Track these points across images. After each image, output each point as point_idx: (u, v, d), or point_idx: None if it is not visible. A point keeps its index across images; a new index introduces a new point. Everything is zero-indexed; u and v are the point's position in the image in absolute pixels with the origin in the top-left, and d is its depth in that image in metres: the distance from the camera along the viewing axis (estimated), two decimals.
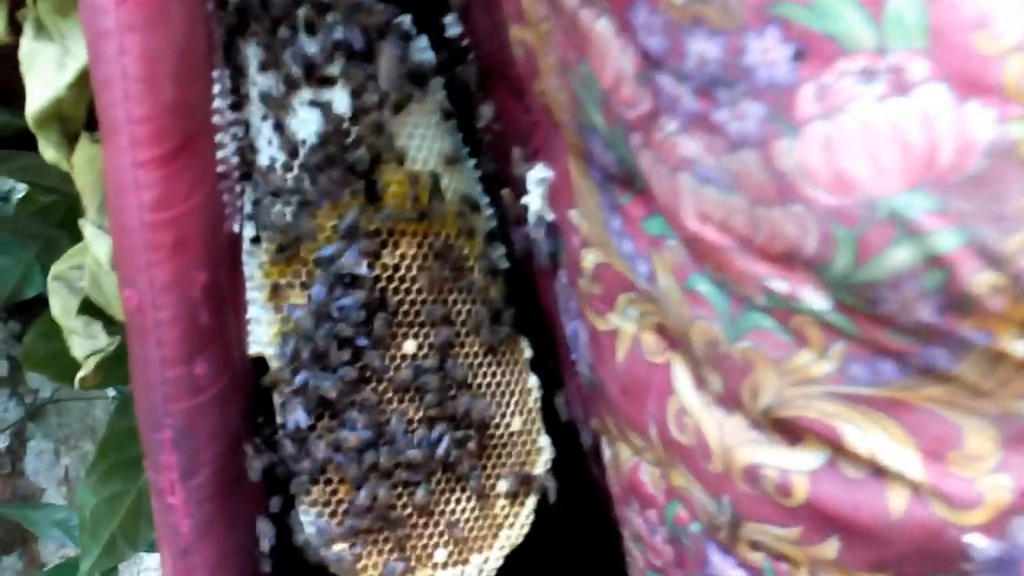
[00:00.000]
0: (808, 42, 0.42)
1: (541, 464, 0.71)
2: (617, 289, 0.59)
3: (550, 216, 0.64)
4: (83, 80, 0.61)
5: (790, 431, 0.52)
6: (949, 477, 0.48)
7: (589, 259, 0.60)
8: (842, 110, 0.42)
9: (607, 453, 0.66)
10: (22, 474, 1.36)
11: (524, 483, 0.70)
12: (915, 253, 0.42)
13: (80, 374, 0.82)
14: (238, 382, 0.62)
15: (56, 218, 1.11)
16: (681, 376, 0.57)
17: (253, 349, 0.64)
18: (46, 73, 0.62)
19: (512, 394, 0.70)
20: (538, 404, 0.71)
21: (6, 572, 1.35)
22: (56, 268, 0.81)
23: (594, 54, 0.51)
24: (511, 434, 0.70)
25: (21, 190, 1.17)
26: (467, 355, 0.68)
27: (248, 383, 0.64)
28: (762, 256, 0.48)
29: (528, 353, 0.71)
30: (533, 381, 0.71)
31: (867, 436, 0.49)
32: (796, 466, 0.52)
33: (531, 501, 0.71)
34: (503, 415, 0.70)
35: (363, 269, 0.64)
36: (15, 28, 0.66)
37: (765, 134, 0.44)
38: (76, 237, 0.72)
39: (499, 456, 0.69)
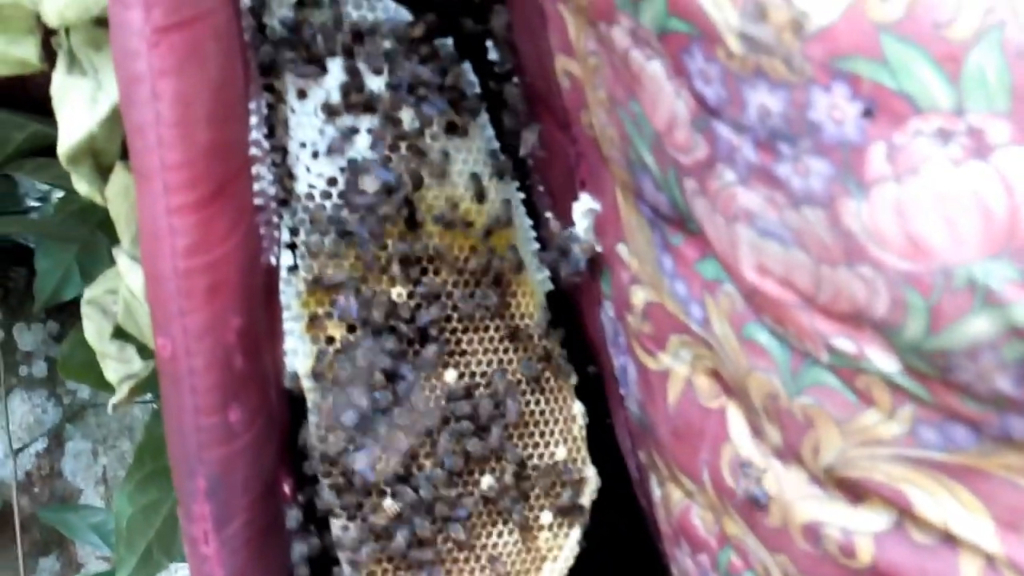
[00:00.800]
0: (879, 99, 0.39)
1: (587, 494, 0.68)
2: (669, 330, 0.57)
3: (597, 247, 0.61)
4: (116, 115, 0.59)
5: (854, 490, 0.49)
6: None
7: (639, 296, 0.58)
8: (915, 172, 0.39)
9: (656, 492, 0.64)
10: (60, 475, 1.36)
11: (568, 514, 0.68)
12: (995, 324, 0.40)
13: (114, 400, 0.81)
14: (273, 422, 0.61)
15: (95, 220, 1.10)
16: (737, 424, 0.55)
17: (290, 382, 0.62)
18: (78, 109, 0.61)
19: (556, 422, 0.67)
20: (583, 432, 0.68)
21: (44, 574, 1.35)
22: (90, 292, 0.79)
23: (645, 95, 0.49)
24: (555, 464, 0.67)
25: (60, 192, 1.16)
26: (509, 383, 0.66)
27: (284, 419, 0.62)
28: (826, 314, 0.45)
29: (573, 379, 0.68)
30: (578, 408, 0.68)
31: (938, 502, 0.46)
32: (860, 527, 0.49)
33: (576, 532, 0.68)
34: (546, 444, 0.67)
35: (402, 298, 0.62)
36: (49, 54, 0.64)
37: (831, 193, 0.42)
38: (114, 239, 0.70)
39: (543, 487, 0.66)
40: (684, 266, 0.53)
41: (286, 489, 0.62)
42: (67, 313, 1.31)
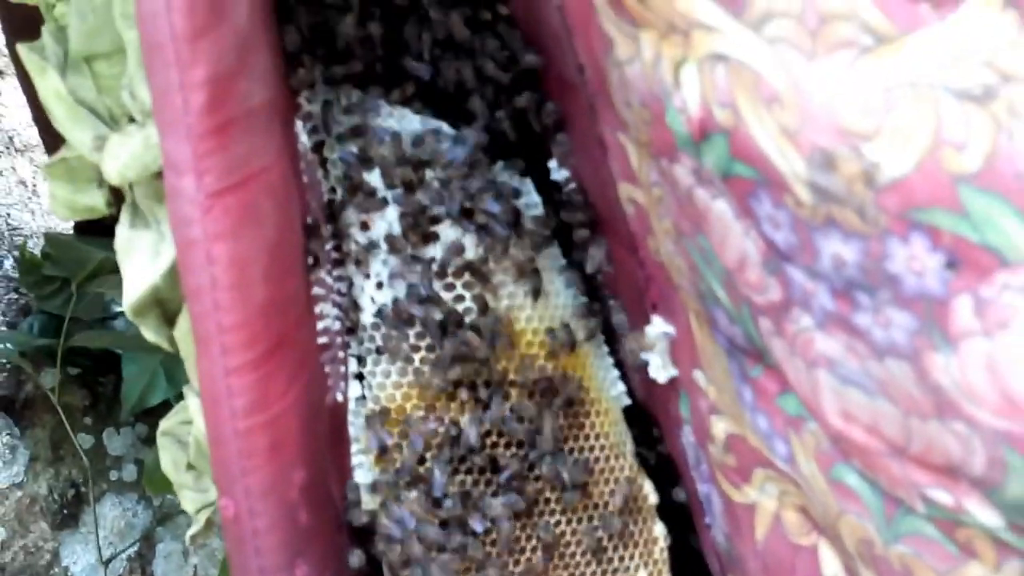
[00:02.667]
0: (962, 252, 0.36)
1: None
2: (753, 463, 0.54)
3: (673, 372, 0.59)
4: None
5: None
6: None
7: (720, 427, 0.55)
8: (1006, 327, 0.36)
9: None
10: None
11: None
12: None
13: (191, 531, 0.80)
14: (344, 568, 0.59)
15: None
16: (830, 565, 0.52)
17: (361, 520, 0.60)
18: (142, 262, 0.61)
19: (636, 544, 0.64)
20: (665, 555, 0.65)
21: None
22: (165, 424, 0.79)
23: (713, 232, 0.46)
24: None
25: None
26: (587, 506, 0.63)
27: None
28: (919, 465, 0.42)
29: (653, 499, 0.65)
30: (660, 530, 0.65)
31: None
32: None
33: None
34: (625, 568, 0.64)
35: (473, 438, 0.60)
36: (118, 199, 0.65)
37: (916, 346, 0.39)
38: None
39: None
40: (765, 400, 0.51)
41: None
42: (155, 416, 1.31)
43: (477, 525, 0.59)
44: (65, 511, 1.30)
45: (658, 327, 0.59)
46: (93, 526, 1.31)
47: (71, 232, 1.15)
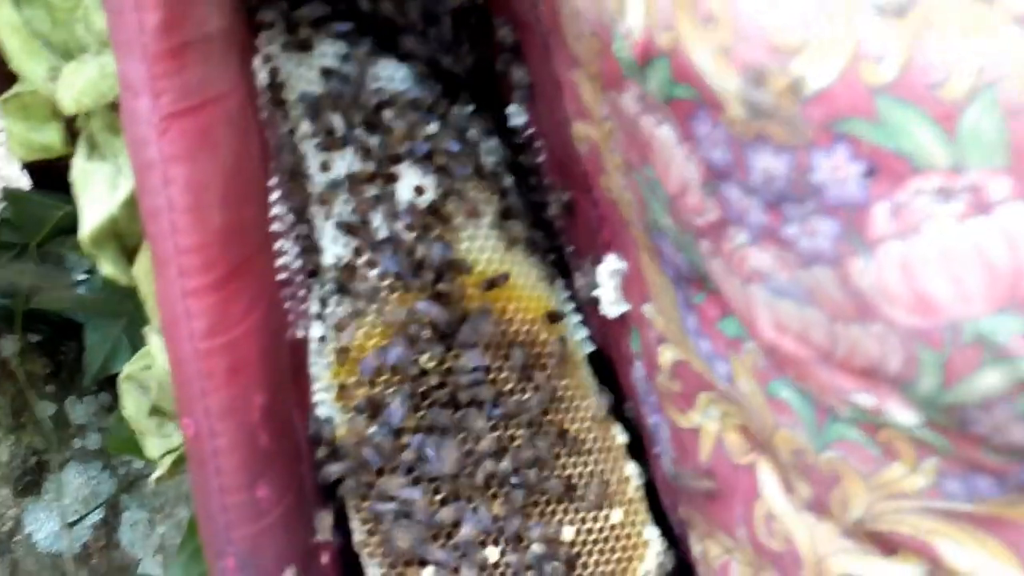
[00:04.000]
0: (879, 160, 0.40)
1: (651, 558, 0.65)
2: (697, 388, 0.57)
3: (624, 307, 0.62)
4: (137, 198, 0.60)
5: (885, 543, 0.49)
6: None
7: (667, 356, 0.58)
8: (918, 230, 0.40)
9: (696, 548, 0.64)
10: (117, 545, 1.37)
11: None
12: (1006, 377, 0.40)
13: (155, 474, 0.81)
14: (305, 495, 0.61)
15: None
16: (768, 480, 0.55)
17: (325, 454, 0.62)
18: (99, 193, 0.62)
19: (608, 484, 0.65)
20: (640, 493, 0.66)
21: None
22: (127, 369, 0.80)
23: (658, 159, 0.49)
24: (612, 527, 0.64)
25: None
26: (554, 444, 0.64)
27: (317, 491, 0.62)
28: (844, 370, 0.46)
29: (622, 439, 0.66)
30: (631, 469, 0.66)
31: (967, 553, 0.46)
32: None
33: None
34: (600, 507, 0.65)
35: (431, 363, 0.62)
36: (74, 138, 0.66)
37: (839, 252, 0.42)
38: None
39: (600, 552, 0.64)
40: (707, 324, 0.54)
41: (324, 560, 0.62)
42: (118, 385, 1.32)
43: (433, 455, 0.61)
44: (28, 478, 1.31)
45: (611, 264, 0.61)
46: (56, 493, 1.31)
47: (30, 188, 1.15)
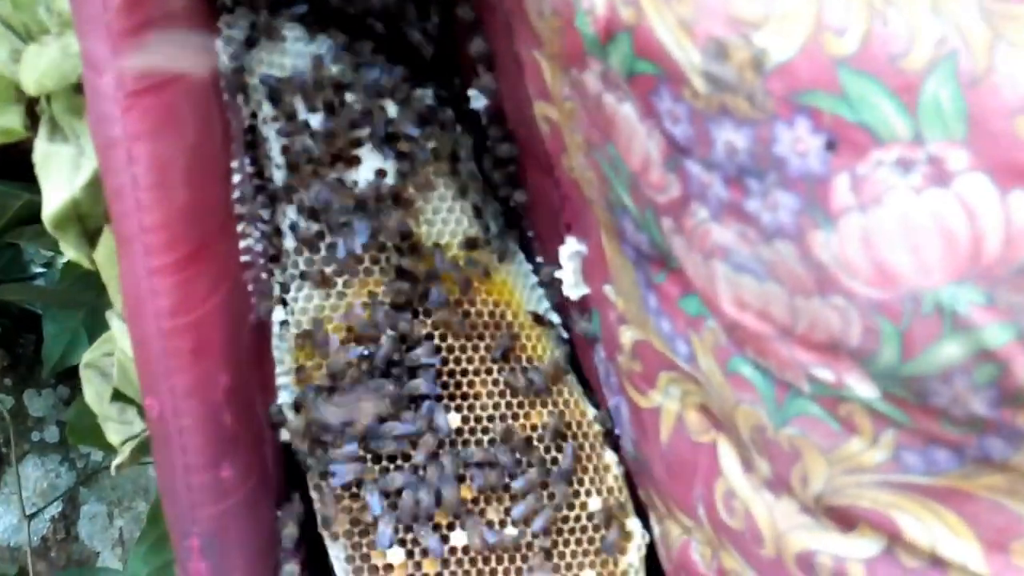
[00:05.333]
0: (840, 132, 0.40)
1: (633, 551, 0.64)
2: (658, 367, 0.57)
3: (584, 290, 0.62)
4: (99, 180, 0.60)
5: (844, 518, 0.50)
6: (1013, 569, 0.45)
7: (627, 336, 0.59)
8: (879, 202, 0.40)
9: (656, 529, 0.64)
10: (76, 539, 1.36)
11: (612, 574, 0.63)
12: (964, 348, 0.40)
13: (116, 461, 0.81)
14: (269, 479, 0.60)
15: (100, 284, 1.11)
16: (728, 458, 0.55)
17: (284, 436, 0.62)
18: (61, 175, 0.61)
19: (586, 471, 0.64)
20: (620, 483, 0.64)
21: None
22: (88, 356, 0.80)
23: (620, 137, 0.49)
24: (590, 515, 0.63)
25: (65, 257, 1.17)
26: (524, 427, 0.64)
27: (281, 475, 0.62)
28: (804, 345, 0.46)
29: (599, 427, 0.65)
30: (611, 457, 0.64)
31: (925, 526, 0.47)
32: (852, 553, 0.50)
33: None
34: (577, 494, 0.63)
35: (392, 344, 0.62)
36: (35, 122, 0.65)
37: (800, 225, 0.42)
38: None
39: (578, 542, 0.63)
40: (668, 303, 0.54)
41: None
42: (77, 378, 1.31)
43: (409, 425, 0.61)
44: None
45: (571, 247, 0.62)
46: (15, 486, 1.31)
47: None
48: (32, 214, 0.90)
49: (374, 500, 0.60)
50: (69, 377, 1.34)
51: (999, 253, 0.39)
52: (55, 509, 1.35)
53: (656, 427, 0.59)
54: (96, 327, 1.16)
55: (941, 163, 0.39)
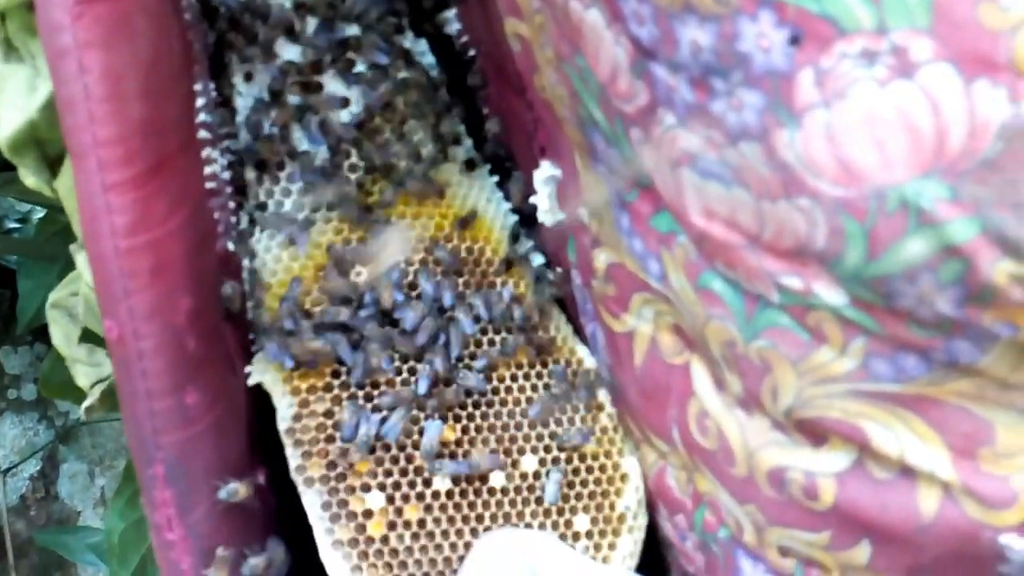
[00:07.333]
0: (804, 25, 0.39)
1: (630, 493, 0.61)
2: (631, 289, 0.57)
3: (560, 216, 0.61)
4: None
5: (814, 432, 0.49)
6: (981, 476, 0.45)
7: (601, 259, 0.58)
8: (843, 96, 0.40)
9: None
10: (56, 497, 1.36)
11: (608, 521, 0.60)
12: (929, 244, 0.40)
13: (86, 403, 0.79)
14: (238, 408, 0.59)
15: (77, 238, 1.10)
16: (700, 377, 0.55)
17: (254, 378, 0.60)
18: (17, 96, 0.60)
19: (577, 410, 0.62)
20: (614, 422, 0.62)
21: None
22: (54, 296, 0.78)
23: (588, 46, 0.49)
24: (582, 456, 0.61)
25: (41, 212, 1.16)
26: (508, 364, 0.62)
27: (251, 408, 0.60)
28: (772, 252, 0.45)
29: (589, 363, 0.63)
30: (603, 396, 0.63)
31: (894, 435, 0.46)
32: (822, 468, 0.50)
33: (626, 541, 0.60)
34: (567, 431, 0.61)
35: (362, 283, 0.61)
36: None
37: (765, 125, 0.42)
38: None
39: (571, 485, 0.60)
40: (640, 222, 0.54)
41: (261, 480, 0.60)
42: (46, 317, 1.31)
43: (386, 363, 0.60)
44: None
45: (545, 171, 0.61)
46: None
47: None
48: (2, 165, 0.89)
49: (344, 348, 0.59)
50: (45, 334, 1.33)
51: (963, 145, 0.38)
52: (34, 467, 1.35)
53: (630, 351, 0.59)
54: None
55: (905, 53, 0.38)
